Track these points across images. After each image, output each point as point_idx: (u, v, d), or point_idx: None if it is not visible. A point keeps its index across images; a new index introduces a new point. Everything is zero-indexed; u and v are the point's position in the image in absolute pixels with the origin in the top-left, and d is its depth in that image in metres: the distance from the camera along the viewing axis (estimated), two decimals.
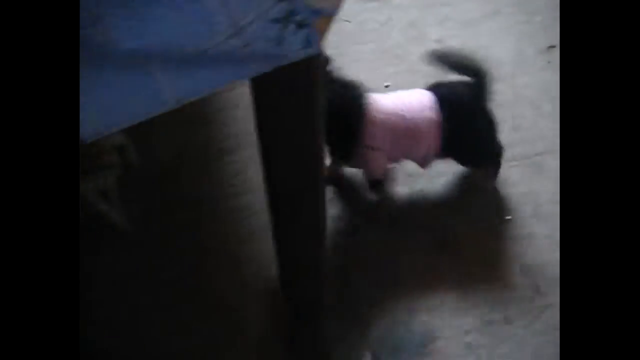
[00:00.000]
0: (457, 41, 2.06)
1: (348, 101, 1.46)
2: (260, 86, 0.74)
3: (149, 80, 0.63)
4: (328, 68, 1.47)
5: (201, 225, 1.61)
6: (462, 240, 1.54)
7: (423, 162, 1.57)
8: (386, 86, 1.93)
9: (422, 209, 1.62)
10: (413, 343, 1.39)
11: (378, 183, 1.59)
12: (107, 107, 0.63)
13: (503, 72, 1.94)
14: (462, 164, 1.62)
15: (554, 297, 1.42)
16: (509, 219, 1.58)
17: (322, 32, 0.68)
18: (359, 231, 1.58)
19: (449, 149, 1.52)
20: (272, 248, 1.41)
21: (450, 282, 1.47)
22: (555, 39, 2.02)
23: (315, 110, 0.77)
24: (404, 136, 1.48)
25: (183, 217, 1.62)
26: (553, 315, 1.40)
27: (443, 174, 1.67)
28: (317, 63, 0.73)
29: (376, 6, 2.18)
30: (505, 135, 1.76)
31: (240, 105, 1.81)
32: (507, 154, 1.71)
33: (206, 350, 1.39)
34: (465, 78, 1.55)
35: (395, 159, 1.56)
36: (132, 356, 1.40)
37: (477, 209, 1.61)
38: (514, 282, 1.46)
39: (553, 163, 1.68)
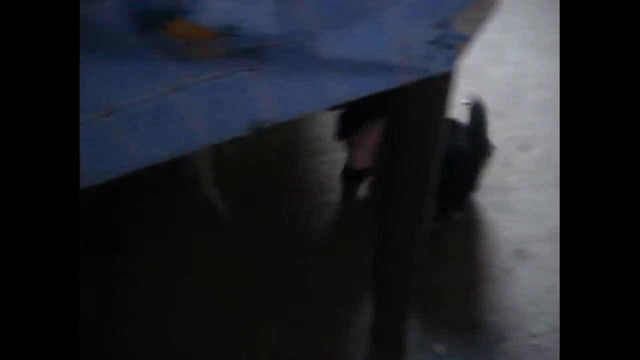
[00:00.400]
0: (536, 64, 2.18)
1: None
2: (398, 94, 0.88)
3: (321, 82, 0.79)
4: None
5: (287, 215, 1.77)
6: (536, 249, 1.65)
7: None
8: (464, 103, 2.06)
9: (496, 218, 1.73)
10: (483, 341, 1.50)
11: (353, 177, 1.70)
12: (286, 99, 0.80)
13: None
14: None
15: None
16: None
17: (460, 53, 0.82)
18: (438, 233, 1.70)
19: None
20: (359, 243, 1.56)
21: (523, 288, 1.58)
22: None
23: (444, 110, 0.91)
24: None
25: (271, 209, 1.79)
26: None
27: (516, 188, 1.79)
28: (450, 79, 0.87)
29: None
30: None
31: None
32: None
33: None
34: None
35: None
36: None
37: (550, 223, 1.71)
38: None
39: None
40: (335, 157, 1.87)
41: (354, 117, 1.64)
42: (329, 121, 1.94)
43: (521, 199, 1.77)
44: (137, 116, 0.79)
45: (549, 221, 1.71)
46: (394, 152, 1.03)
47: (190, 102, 0.80)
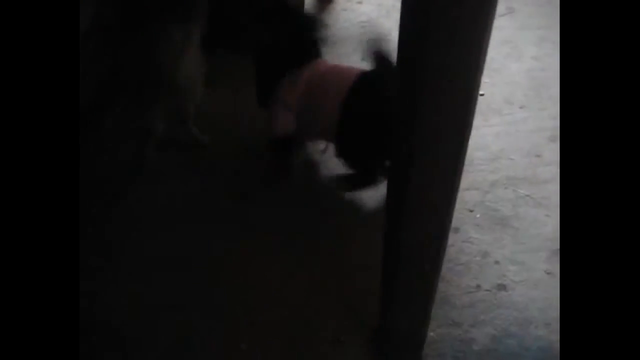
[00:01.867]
0: (556, 60, 1.93)
1: (299, 46, 1.35)
2: None
3: None
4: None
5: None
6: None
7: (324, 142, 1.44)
8: (481, 94, 1.80)
9: (529, 213, 1.42)
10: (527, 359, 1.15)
11: (281, 147, 1.44)
12: None
13: None
14: (346, 162, 1.38)
15: None
16: None
17: None
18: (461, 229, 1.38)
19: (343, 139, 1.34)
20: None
21: None
22: None
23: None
24: (313, 103, 1.34)
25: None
26: None
27: (549, 180, 1.49)
28: None
29: None
30: None
31: None
32: None
33: None
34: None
35: (300, 128, 1.39)
36: None
37: None
38: None
39: None
40: None
41: (268, 74, 1.39)
42: None
43: (555, 192, 1.46)
44: None
45: None
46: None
47: None
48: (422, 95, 0.80)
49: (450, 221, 0.94)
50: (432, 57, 0.75)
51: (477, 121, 1.65)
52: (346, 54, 2.02)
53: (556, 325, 1.19)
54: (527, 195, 1.46)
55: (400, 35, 0.80)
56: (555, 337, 1.18)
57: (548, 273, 1.29)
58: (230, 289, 1.27)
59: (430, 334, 1.18)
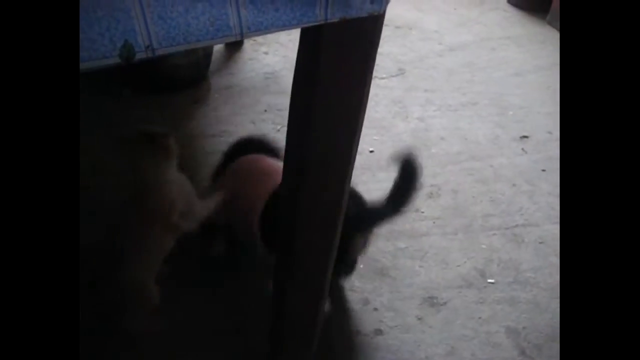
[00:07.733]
0: (438, 121, 2.18)
1: None
2: (315, 41, 0.73)
3: (222, 7, 0.63)
4: None
5: None
6: (448, 296, 1.51)
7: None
8: (370, 151, 1.99)
9: (405, 264, 1.59)
10: None
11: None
12: (174, 20, 0.63)
13: (481, 152, 2.04)
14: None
15: None
16: (492, 282, 1.57)
17: None
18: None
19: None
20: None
21: (437, 337, 1.41)
22: (527, 131, 2.16)
23: (369, 71, 0.77)
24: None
25: None
26: None
27: (426, 234, 1.68)
28: (379, 24, 0.74)
29: None
30: (484, 206, 1.82)
31: None
32: (486, 224, 1.75)
33: None
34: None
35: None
36: None
37: (461, 269, 1.59)
38: (499, 342, 1.42)
39: (532, 235, 1.71)
40: None
41: None
42: None
43: (431, 245, 1.65)
44: None
45: (459, 268, 1.60)
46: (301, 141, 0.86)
47: None
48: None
49: (326, 288, 1.08)
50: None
51: (367, 177, 1.86)
52: (249, 104, 2.15)
53: None
54: (405, 248, 1.64)
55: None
56: None
57: (419, 318, 1.45)
58: None
59: None
